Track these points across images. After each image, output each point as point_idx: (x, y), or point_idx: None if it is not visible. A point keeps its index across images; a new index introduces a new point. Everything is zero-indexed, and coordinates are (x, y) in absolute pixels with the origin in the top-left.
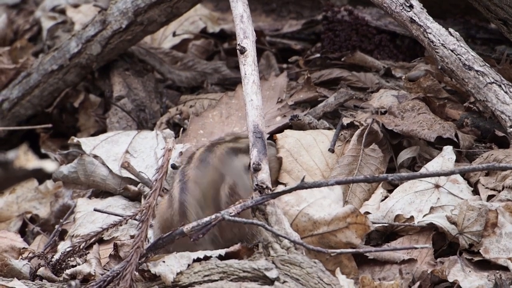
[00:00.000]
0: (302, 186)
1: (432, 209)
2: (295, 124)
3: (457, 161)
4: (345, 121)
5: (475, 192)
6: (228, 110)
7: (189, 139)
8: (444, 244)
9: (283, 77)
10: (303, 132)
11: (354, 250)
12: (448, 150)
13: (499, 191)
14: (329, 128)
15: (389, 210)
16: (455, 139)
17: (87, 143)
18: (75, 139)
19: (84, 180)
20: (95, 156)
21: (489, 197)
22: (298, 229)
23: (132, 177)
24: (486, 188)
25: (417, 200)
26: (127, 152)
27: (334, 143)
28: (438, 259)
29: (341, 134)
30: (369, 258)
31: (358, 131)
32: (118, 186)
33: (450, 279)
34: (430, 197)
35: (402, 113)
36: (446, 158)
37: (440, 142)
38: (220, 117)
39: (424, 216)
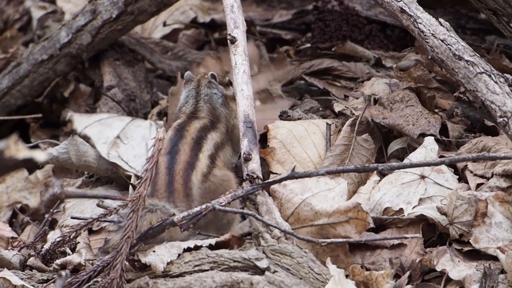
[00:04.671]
0: (293, 175)
1: (420, 200)
2: (284, 120)
3: (446, 150)
4: (336, 108)
5: (462, 178)
6: None
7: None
8: (434, 235)
9: (251, 46)
10: (294, 123)
11: (344, 239)
12: (430, 140)
13: (488, 178)
14: None
15: (377, 202)
16: (438, 136)
17: (80, 120)
18: (69, 113)
19: (75, 161)
20: (86, 136)
21: (478, 186)
22: (299, 217)
23: (119, 162)
24: (475, 175)
25: (404, 192)
26: (118, 137)
27: (328, 141)
28: (428, 249)
29: (333, 123)
30: (361, 243)
31: (349, 121)
32: (107, 172)
33: (438, 268)
34: (417, 188)
35: (391, 104)
36: (428, 149)
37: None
38: None
39: (414, 207)
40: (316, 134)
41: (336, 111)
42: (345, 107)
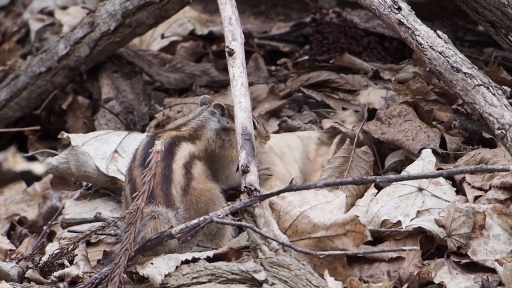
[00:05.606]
0: (291, 188)
1: (418, 212)
2: (284, 129)
3: (444, 163)
4: (325, 124)
5: (460, 190)
6: None
7: None
8: (432, 247)
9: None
10: (278, 137)
11: (342, 252)
12: (428, 153)
13: (486, 191)
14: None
15: (375, 215)
16: (439, 150)
17: (77, 138)
18: (65, 134)
19: (74, 171)
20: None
21: (476, 198)
22: (297, 230)
23: (118, 176)
24: (473, 187)
25: (402, 204)
26: (115, 151)
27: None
28: (426, 262)
29: (319, 139)
30: (359, 256)
31: (337, 139)
32: (107, 183)
33: (437, 280)
34: (415, 200)
35: (389, 119)
36: (426, 161)
37: None
38: None
39: (412, 220)
40: (298, 149)
41: (325, 128)
42: (334, 122)
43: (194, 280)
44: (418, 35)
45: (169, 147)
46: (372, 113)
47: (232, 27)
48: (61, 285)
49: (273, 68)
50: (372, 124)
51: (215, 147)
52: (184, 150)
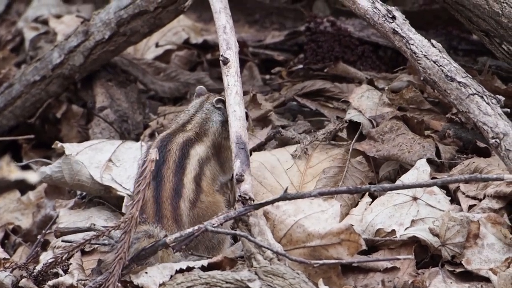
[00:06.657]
0: (285, 197)
1: (412, 221)
2: (279, 140)
3: (438, 172)
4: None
5: (454, 200)
6: None
7: None
8: (426, 256)
9: None
10: (268, 153)
11: (337, 261)
12: (422, 162)
13: (480, 200)
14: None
15: (369, 224)
16: (436, 159)
17: (71, 148)
18: (59, 144)
19: (68, 180)
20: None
21: (470, 207)
22: (292, 239)
23: (113, 185)
24: (467, 196)
25: (396, 213)
26: (110, 160)
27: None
28: (420, 271)
29: (300, 146)
30: (353, 265)
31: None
32: (101, 191)
33: None
34: (409, 210)
35: (381, 136)
36: (420, 170)
37: None
38: None
39: (406, 229)
40: (288, 162)
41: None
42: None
43: None
44: (413, 44)
45: (179, 161)
46: (354, 126)
47: (226, 36)
48: None
49: (267, 77)
50: (365, 144)
51: (221, 138)
52: (193, 161)
